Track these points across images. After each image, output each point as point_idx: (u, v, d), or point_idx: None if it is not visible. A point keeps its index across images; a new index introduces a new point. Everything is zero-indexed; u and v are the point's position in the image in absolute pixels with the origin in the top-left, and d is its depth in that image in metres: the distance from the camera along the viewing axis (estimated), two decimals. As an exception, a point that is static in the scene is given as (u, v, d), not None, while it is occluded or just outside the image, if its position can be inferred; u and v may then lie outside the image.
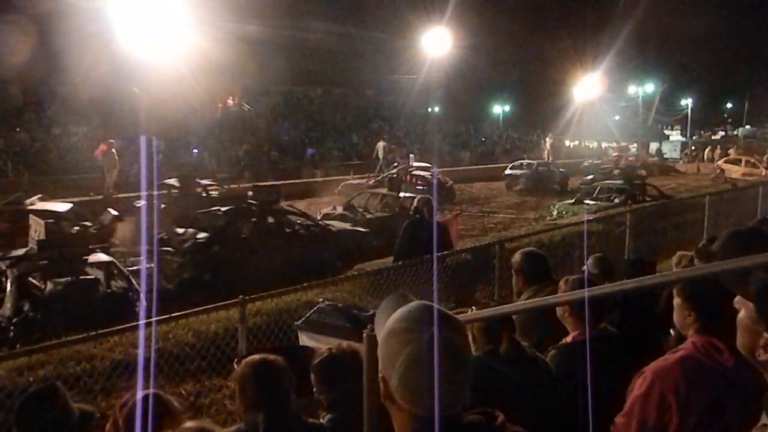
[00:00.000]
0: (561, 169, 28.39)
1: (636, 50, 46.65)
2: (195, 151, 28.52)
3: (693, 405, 2.03)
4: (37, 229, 9.09)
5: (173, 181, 16.09)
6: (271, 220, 11.43)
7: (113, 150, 20.35)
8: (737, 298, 1.32)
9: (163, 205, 14.48)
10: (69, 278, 7.70)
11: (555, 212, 17.13)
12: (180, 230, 11.10)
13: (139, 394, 2.31)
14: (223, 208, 11.27)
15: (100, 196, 20.14)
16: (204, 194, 15.68)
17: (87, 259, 8.13)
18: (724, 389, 1.98)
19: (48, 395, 2.53)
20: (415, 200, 8.00)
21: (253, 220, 11.19)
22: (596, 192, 18.11)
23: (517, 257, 3.86)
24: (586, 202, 17.21)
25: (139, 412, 2.21)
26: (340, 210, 14.84)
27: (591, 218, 11.43)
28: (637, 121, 55.98)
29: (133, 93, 25.68)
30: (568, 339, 2.93)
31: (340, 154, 33.10)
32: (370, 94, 44.85)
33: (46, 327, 6.48)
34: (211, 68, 26.41)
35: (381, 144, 30.17)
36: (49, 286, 7.63)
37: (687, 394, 2.04)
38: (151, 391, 2.34)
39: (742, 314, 1.29)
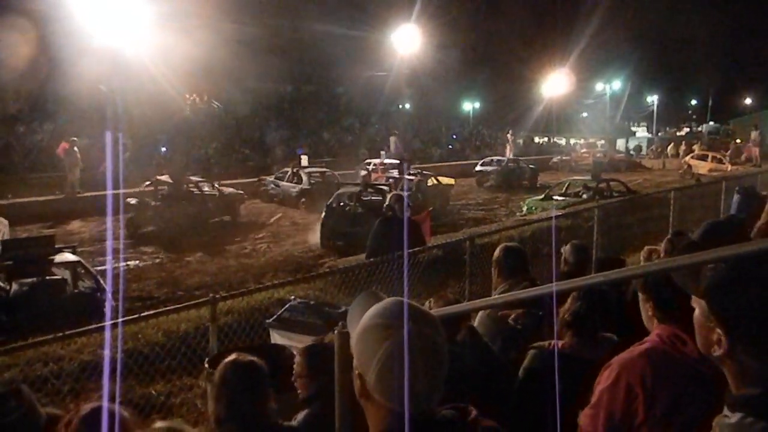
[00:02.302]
0: (531, 166, 28.69)
1: (603, 48, 47.35)
2: (163, 149, 28.12)
3: (659, 395, 2.07)
4: (1, 229, 8.91)
5: (165, 178, 16.93)
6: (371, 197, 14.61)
7: (75, 148, 20.02)
8: (693, 297, 1.34)
9: (153, 203, 15.80)
10: (35, 279, 7.56)
11: (525, 208, 17.30)
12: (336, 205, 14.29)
13: (84, 410, 2.23)
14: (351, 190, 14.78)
15: (62, 195, 19.77)
16: (196, 191, 17.04)
17: (53, 259, 7.99)
18: (690, 379, 2.01)
19: (12, 397, 2.48)
20: (388, 197, 8.05)
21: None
22: (565, 188, 18.35)
23: (496, 251, 3.89)
24: (555, 198, 17.43)
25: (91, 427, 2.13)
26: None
27: (559, 214, 11.57)
28: (605, 117, 56.74)
29: (100, 90, 25.24)
30: (556, 344, 2.91)
31: (311, 152, 32.96)
32: (341, 92, 44.71)
33: (12, 328, 6.35)
34: (180, 66, 26.06)
35: (393, 139, 30.45)
36: (15, 287, 7.49)
37: (653, 384, 2.08)
38: (104, 403, 2.26)
39: (697, 312, 1.31)
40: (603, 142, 48.76)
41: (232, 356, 2.76)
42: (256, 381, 2.63)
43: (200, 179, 18.15)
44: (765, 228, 3.48)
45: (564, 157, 38.67)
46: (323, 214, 14.00)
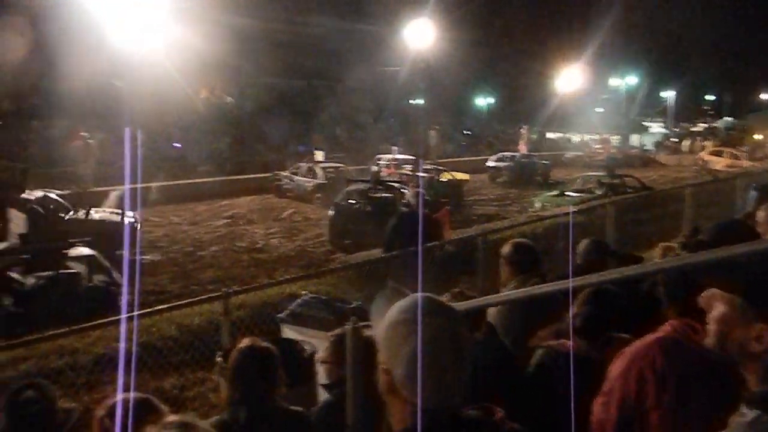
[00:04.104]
0: (544, 161, 28.54)
1: (618, 43, 46.97)
2: (177, 144, 28.25)
3: (669, 381, 2.08)
4: (18, 223, 8.98)
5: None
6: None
7: (87, 143, 20.19)
8: (709, 294, 1.31)
9: None
10: (51, 272, 7.63)
11: (538, 204, 17.22)
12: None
13: (120, 399, 2.27)
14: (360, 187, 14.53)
15: (70, 190, 19.86)
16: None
17: (68, 253, 8.06)
18: (700, 366, 2.01)
19: (32, 390, 2.53)
20: (407, 194, 8.11)
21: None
22: (579, 184, 18.28)
23: (506, 247, 3.86)
24: (568, 194, 17.33)
25: (122, 417, 2.17)
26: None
27: (573, 210, 11.50)
28: (619, 113, 56.24)
29: (115, 86, 25.38)
30: (572, 345, 2.88)
31: (324, 147, 32.98)
32: (354, 86, 44.64)
33: (28, 321, 6.42)
34: (194, 60, 26.14)
35: (432, 132, 30.42)
36: (31, 280, 7.56)
37: (663, 368, 2.09)
38: (132, 395, 2.31)
39: (722, 310, 1.28)
40: (617, 137, 48.38)
41: (248, 341, 2.83)
42: (269, 366, 2.70)
43: (55, 195, 13.05)
44: None
45: (578, 153, 38.46)
46: (331, 211, 13.79)
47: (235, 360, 2.72)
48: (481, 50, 43.21)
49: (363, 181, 15.38)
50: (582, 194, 17.02)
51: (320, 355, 3.11)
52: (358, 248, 11.78)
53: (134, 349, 4.89)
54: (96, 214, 12.44)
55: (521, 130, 36.42)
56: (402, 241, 7.14)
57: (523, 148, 32.93)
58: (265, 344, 2.80)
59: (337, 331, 3.13)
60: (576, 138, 53.25)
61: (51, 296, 7.25)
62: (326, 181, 20.18)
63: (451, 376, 1.27)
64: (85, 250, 8.30)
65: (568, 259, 4.48)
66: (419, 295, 1.38)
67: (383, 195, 14.00)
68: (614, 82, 58.63)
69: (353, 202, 14.00)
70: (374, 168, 22.28)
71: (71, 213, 12.34)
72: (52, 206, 12.23)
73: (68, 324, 4.94)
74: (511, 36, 48.44)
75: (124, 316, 5.91)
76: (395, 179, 17.12)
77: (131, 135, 23.99)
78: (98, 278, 8.04)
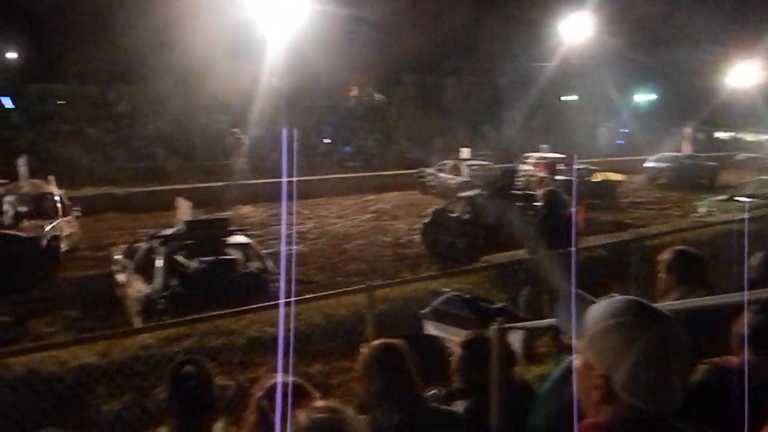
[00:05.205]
0: (711, 163, 26.36)
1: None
2: (328, 140, 29.42)
3: None
4: (186, 211, 9.73)
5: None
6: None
7: (237, 138, 21.55)
8: None
9: None
10: (212, 257, 8.16)
11: (703, 209, 15.89)
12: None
13: (279, 380, 2.34)
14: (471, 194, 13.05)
15: (236, 182, 21.29)
16: None
17: (227, 241, 8.60)
18: None
19: (192, 366, 2.68)
20: (541, 192, 7.85)
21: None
22: (752, 188, 16.66)
23: (669, 254, 3.59)
24: (739, 198, 15.82)
25: (281, 399, 2.24)
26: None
27: (747, 216, 10.47)
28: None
29: (273, 85, 26.89)
30: (733, 360, 2.62)
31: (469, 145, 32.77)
32: (503, 83, 43.87)
33: (190, 302, 6.90)
34: (345, 58, 27.00)
35: (603, 130, 29.82)
36: (194, 264, 8.12)
37: None
38: (291, 379, 2.39)
39: None
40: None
41: (377, 341, 2.79)
42: (396, 362, 2.62)
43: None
44: None
45: (751, 155, 35.27)
46: (428, 219, 12.82)
47: (362, 361, 2.69)
48: (641, 43, 40.66)
49: (477, 186, 14.01)
50: (755, 199, 15.48)
51: (455, 361, 3.00)
52: (454, 263, 10.66)
53: (291, 334, 5.11)
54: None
55: (685, 128, 33.80)
56: (544, 242, 6.87)
57: (686, 148, 30.61)
58: (392, 341, 2.73)
59: (460, 337, 3.02)
60: (749, 138, 48.63)
61: (211, 279, 7.75)
62: (471, 179, 19.96)
63: (678, 378, 1.29)
64: (242, 239, 8.82)
65: (739, 270, 4.04)
66: (624, 297, 1.38)
67: (495, 204, 12.23)
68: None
69: (453, 210, 12.72)
70: (521, 166, 21.75)
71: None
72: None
73: (225, 306, 5.26)
74: (675, 27, 45.12)
75: (282, 301, 6.21)
76: (523, 186, 15.79)
77: (290, 131, 25.32)
78: (253, 265, 8.50)
